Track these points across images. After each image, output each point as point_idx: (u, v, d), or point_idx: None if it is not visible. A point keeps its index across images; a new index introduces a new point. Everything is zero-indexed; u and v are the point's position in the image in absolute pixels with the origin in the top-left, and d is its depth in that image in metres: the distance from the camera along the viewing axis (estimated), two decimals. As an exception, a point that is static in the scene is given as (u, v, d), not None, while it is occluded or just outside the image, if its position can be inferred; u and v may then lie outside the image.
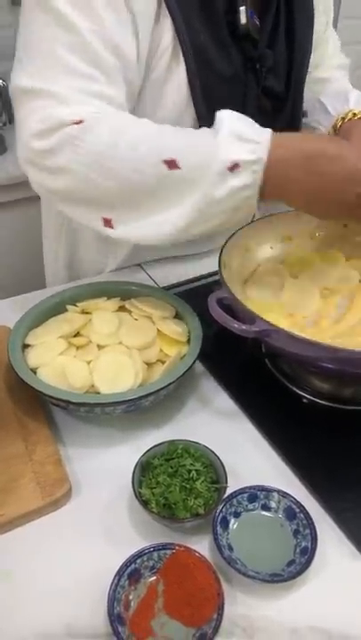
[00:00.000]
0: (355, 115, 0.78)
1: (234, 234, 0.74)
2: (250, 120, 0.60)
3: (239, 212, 0.60)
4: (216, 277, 0.74)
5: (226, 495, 0.54)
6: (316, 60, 0.88)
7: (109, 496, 0.57)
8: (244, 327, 0.59)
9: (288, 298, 0.73)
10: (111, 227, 0.61)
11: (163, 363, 0.67)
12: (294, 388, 0.71)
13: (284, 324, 0.64)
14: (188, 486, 0.54)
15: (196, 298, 0.74)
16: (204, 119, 0.72)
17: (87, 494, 0.58)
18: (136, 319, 0.72)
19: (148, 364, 0.67)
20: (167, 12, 0.64)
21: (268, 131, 0.58)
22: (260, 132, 0.58)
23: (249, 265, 0.78)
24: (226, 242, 0.72)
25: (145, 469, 0.56)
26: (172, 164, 0.56)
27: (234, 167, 0.55)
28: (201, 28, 0.67)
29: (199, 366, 0.73)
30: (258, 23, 0.72)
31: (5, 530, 0.55)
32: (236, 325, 0.59)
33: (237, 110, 0.75)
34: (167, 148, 0.57)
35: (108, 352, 0.67)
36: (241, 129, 0.58)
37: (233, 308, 0.63)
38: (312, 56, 0.85)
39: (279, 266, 0.78)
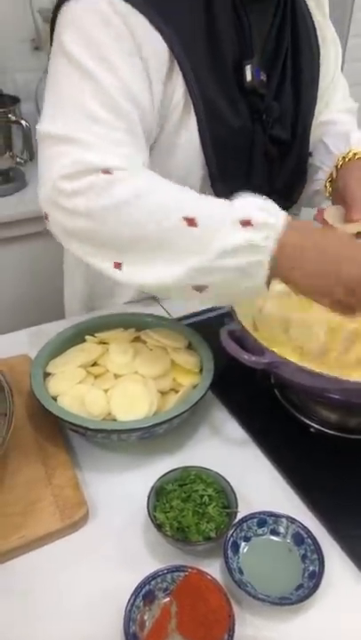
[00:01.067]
0: (355, 154, 0.83)
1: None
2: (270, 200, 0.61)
3: (245, 277, 0.58)
4: (227, 309, 0.78)
5: (236, 520, 0.57)
6: (324, 106, 0.93)
7: (125, 519, 0.60)
8: (254, 359, 0.62)
9: (296, 331, 0.76)
10: (120, 269, 0.63)
11: (176, 392, 0.71)
12: (302, 418, 0.73)
13: (292, 356, 0.67)
14: (200, 511, 0.56)
15: (208, 329, 0.77)
16: (214, 167, 0.77)
17: (103, 517, 0.60)
18: (151, 349, 0.76)
19: (163, 393, 0.70)
20: (179, 69, 0.69)
21: (284, 213, 0.59)
22: (277, 209, 0.59)
23: (258, 298, 0.82)
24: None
25: (159, 494, 0.59)
26: (191, 222, 0.58)
27: (246, 223, 0.56)
28: (211, 84, 0.72)
29: (211, 396, 0.75)
30: (264, 79, 0.77)
31: (25, 551, 0.57)
32: (246, 357, 0.62)
33: (245, 157, 0.80)
34: (189, 207, 0.59)
35: (125, 381, 0.70)
36: (261, 202, 0.59)
37: (243, 341, 0.66)
38: (319, 103, 0.90)
39: (287, 300, 0.82)
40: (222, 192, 0.80)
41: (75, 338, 0.78)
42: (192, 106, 0.72)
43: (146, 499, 0.58)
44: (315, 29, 0.84)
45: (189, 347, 0.77)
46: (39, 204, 0.68)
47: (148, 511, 0.57)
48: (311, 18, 0.84)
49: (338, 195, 0.82)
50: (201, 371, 0.72)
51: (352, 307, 0.58)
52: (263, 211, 0.57)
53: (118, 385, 0.69)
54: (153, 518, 0.56)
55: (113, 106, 0.64)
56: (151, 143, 0.73)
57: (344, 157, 0.83)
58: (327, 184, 0.86)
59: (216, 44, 0.71)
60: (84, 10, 0.64)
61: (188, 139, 0.74)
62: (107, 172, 0.61)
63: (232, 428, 0.72)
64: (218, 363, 0.72)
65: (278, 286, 0.84)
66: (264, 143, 0.81)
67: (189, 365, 0.73)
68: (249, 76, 0.75)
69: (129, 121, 0.66)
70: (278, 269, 0.58)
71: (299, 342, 0.75)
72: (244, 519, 0.57)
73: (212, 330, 0.72)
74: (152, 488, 0.59)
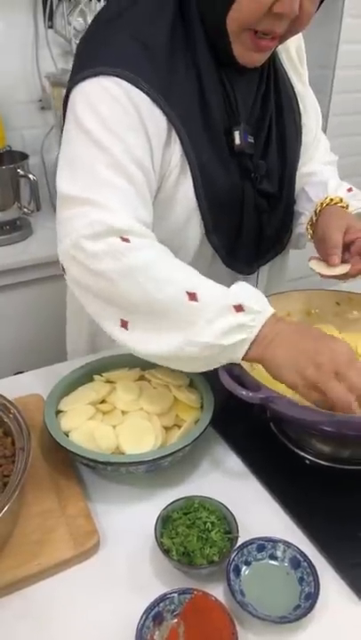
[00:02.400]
0: (331, 200, 0.92)
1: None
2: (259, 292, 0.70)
3: (227, 352, 0.66)
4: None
5: (237, 545, 0.61)
6: (306, 160, 1.02)
7: (133, 547, 0.64)
8: (250, 394, 0.68)
9: (289, 368, 0.82)
10: (126, 328, 0.70)
11: (179, 427, 0.76)
12: (297, 450, 0.78)
13: (286, 391, 0.72)
14: (204, 536, 0.61)
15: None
16: (209, 220, 0.85)
17: (114, 545, 0.65)
18: (155, 388, 0.81)
19: (167, 428, 0.75)
20: (176, 136, 0.78)
21: (270, 307, 0.68)
22: (266, 303, 0.68)
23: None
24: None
25: (166, 522, 0.63)
26: (192, 296, 0.66)
27: (239, 308, 0.65)
28: (204, 148, 0.80)
29: (211, 430, 0.80)
30: (252, 141, 0.85)
31: (41, 578, 0.61)
32: (243, 392, 0.68)
33: (237, 210, 0.88)
34: (192, 283, 0.68)
35: (131, 417, 0.75)
36: (252, 290, 0.69)
37: (241, 378, 0.72)
38: (303, 157, 0.99)
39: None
40: (217, 242, 0.88)
41: (83, 377, 0.83)
42: (188, 168, 0.80)
43: (153, 527, 0.62)
44: (296, 97, 0.94)
45: (190, 384, 0.83)
46: (59, 258, 0.74)
47: (156, 537, 0.61)
48: (293, 88, 0.94)
49: (319, 240, 0.89)
50: (202, 407, 0.78)
51: (315, 384, 0.63)
52: (253, 299, 0.67)
53: (126, 421, 0.74)
54: (160, 544, 0.61)
55: (123, 172, 0.72)
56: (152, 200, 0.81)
57: (322, 203, 0.92)
58: (308, 227, 0.94)
59: (208, 113, 0.80)
60: (95, 89, 0.73)
61: (184, 195, 0.82)
62: (125, 238, 0.69)
63: (232, 460, 0.77)
64: (217, 399, 0.78)
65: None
66: (254, 197, 0.90)
67: (191, 402, 0.78)
68: (238, 140, 0.83)
69: (137, 184, 0.74)
70: (258, 348, 0.66)
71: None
72: (245, 545, 0.62)
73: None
74: (159, 516, 0.63)
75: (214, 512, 0.64)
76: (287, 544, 0.62)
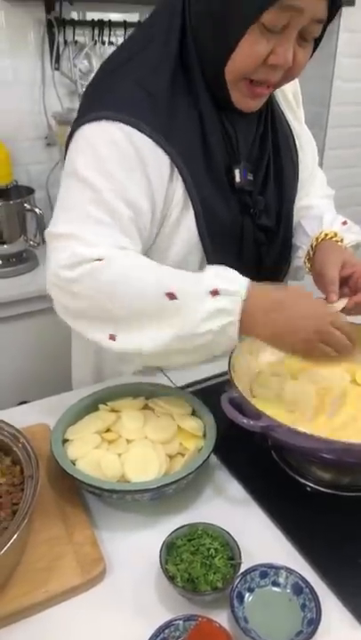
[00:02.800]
0: (326, 235, 0.96)
1: (241, 341, 0.87)
2: (233, 271, 0.75)
3: (220, 336, 0.71)
4: (226, 377, 0.86)
5: (240, 572, 0.63)
6: (303, 195, 1.06)
7: (139, 573, 0.65)
8: (251, 422, 0.70)
9: (289, 396, 0.84)
10: (115, 340, 0.75)
11: (182, 455, 0.78)
12: (298, 477, 0.80)
13: (286, 419, 0.74)
14: (208, 562, 0.62)
15: (209, 396, 0.86)
16: (210, 253, 0.89)
17: (119, 572, 0.66)
18: (159, 416, 0.83)
19: (170, 457, 0.77)
20: (178, 174, 0.82)
21: (247, 279, 0.73)
22: (240, 277, 0.73)
23: (254, 367, 0.91)
24: (235, 348, 0.85)
25: (170, 549, 0.65)
26: (171, 296, 0.71)
27: (215, 292, 0.70)
28: (206, 186, 0.85)
29: (213, 458, 0.82)
30: (251, 178, 0.90)
31: (48, 606, 0.62)
32: (245, 421, 0.70)
33: (237, 243, 0.92)
34: (169, 282, 0.72)
35: (136, 446, 0.77)
36: (225, 272, 0.74)
37: (242, 406, 0.75)
38: (300, 192, 1.04)
39: (280, 368, 0.91)
40: None
41: (89, 406, 0.86)
42: (191, 203, 0.84)
43: (157, 553, 0.64)
44: (293, 136, 0.99)
45: (193, 413, 0.85)
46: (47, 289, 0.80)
47: (161, 564, 0.62)
48: (289, 127, 0.99)
49: (317, 275, 0.93)
50: (204, 435, 0.80)
51: (311, 349, 0.74)
52: (228, 280, 0.72)
53: (131, 449, 0.77)
54: (165, 571, 0.62)
55: (108, 209, 0.77)
56: (152, 237, 0.85)
57: (317, 238, 0.97)
58: (306, 261, 0.98)
59: (209, 153, 0.85)
60: (96, 132, 0.78)
61: (187, 229, 0.87)
62: (99, 259, 0.74)
63: (234, 487, 0.79)
64: (219, 427, 0.80)
65: (270, 357, 0.94)
66: (253, 231, 0.94)
67: (194, 430, 0.80)
68: (238, 178, 0.88)
69: (123, 220, 0.78)
70: (245, 327, 0.72)
71: (292, 406, 0.83)
72: (248, 571, 0.63)
73: (213, 396, 0.81)
74: (163, 543, 0.65)
75: (217, 538, 0.65)
76: (289, 570, 0.63)
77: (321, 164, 2.20)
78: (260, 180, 0.94)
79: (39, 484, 0.66)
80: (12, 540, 0.59)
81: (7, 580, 0.63)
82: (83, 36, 1.74)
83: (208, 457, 0.75)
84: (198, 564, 0.62)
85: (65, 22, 1.67)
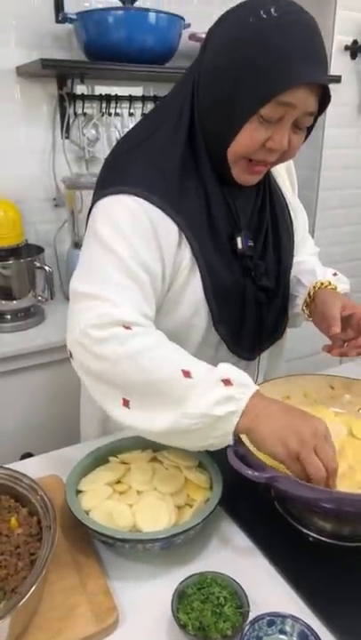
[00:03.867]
0: (322, 284, 1.06)
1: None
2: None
3: (220, 423, 0.74)
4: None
5: (249, 620, 0.65)
6: (296, 255, 1.16)
7: (151, 621, 0.68)
8: (256, 474, 0.74)
9: (290, 448, 0.89)
10: (128, 407, 0.78)
11: (190, 506, 0.82)
12: (300, 528, 0.83)
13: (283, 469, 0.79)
14: (217, 611, 0.65)
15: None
16: (215, 313, 0.96)
17: (132, 621, 0.69)
18: (167, 469, 0.87)
19: (179, 507, 0.81)
20: (186, 242, 0.90)
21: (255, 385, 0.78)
22: (248, 377, 0.78)
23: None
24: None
25: (181, 597, 0.68)
26: (187, 374, 0.76)
27: (227, 382, 0.75)
28: (211, 252, 0.93)
29: (219, 508, 0.86)
30: (252, 244, 0.98)
31: (63, 655, 0.65)
32: (250, 472, 0.74)
33: (239, 304, 1.00)
34: (186, 363, 0.78)
35: (146, 497, 0.81)
36: (238, 370, 0.78)
37: (246, 458, 0.79)
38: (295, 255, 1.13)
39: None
40: (224, 331, 0.99)
41: (99, 459, 0.90)
42: (197, 268, 0.92)
43: (169, 602, 0.67)
44: (288, 207, 1.09)
45: (200, 465, 0.89)
46: (67, 346, 0.85)
47: (173, 612, 0.65)
48: (285, 199, 1.08)
49: (318, 317, 1.03)
50: (211, 487, 0.84)
51: (297, 455, 0.72)
52: (240, 374, 0.77)
53: (141, 500, 0.80)
54: (177, 619, 0.65)
55: (130, 273, 0.84)
56: (162, 298, 0.93)
57: (314, 287, 1.06)
58: (304, 308, 1.08)
59: (213, 223, 0.94)
60: (114, 204, 0.87)
61: (193, 291, 0.94)
62: (127, 326, 0.79)
63: (239, 537, 0.82)
64: (224, 478, 0.84)
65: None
66: (254, 292, 1.01)
67: (201, 482, 0.84)
68: (240, 244, 0.96)
69: (142, 284, 0.85)
70: (246, 419, 0.74)
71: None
72: (256, 620, 0.66)
73: (218, 449, 0.85)
74: (175, 592, 0.68)
75: (226, 587, 0.69)
76: (295, 619, 0.66)
77: (314, 224, 2.33)
78: (260, 246, 1.02)
79: (57, 534, 0.70)
80: (31, 591, 0.62)
81: (25, 629, 0.65)
82: (91, 108, 1.89)
83: (215, 508, 0.79)
84: (209, 613, 0.65)
85: (75, 97, 1.82)
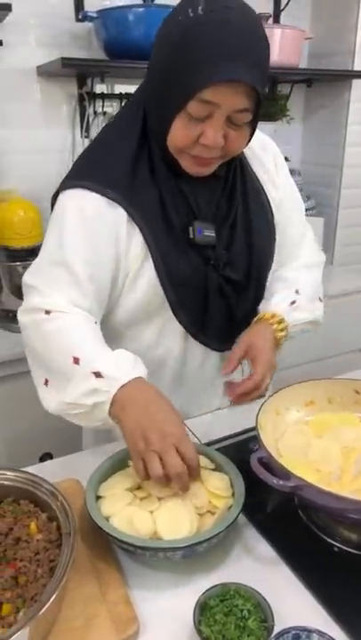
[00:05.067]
0: (264, 316, 1.04)
1: (265, 400, 0.91)
2: (133, 361, 0.85)
3: (95, 411, 0.82)
4: (249, 434, 0.89)
5: (274, 634, 0.64)
6: (284, 260, 1.12)
7: (173, 633, 0.66)
8: (281, 483, 0.72)
9: (314, 455, 0.87)
10: (47, 386, 0.87)
11: (212, 513, 0.80)
12: (325, 537, 0.81)
13: (312, 478, 0.77)
14: (241, 624, 0.63)
15: (233, 452, 0.88)
16: (173, 299, 0.96)
17: (153, 632, 0.67)
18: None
19: (200, 515, 0.79)
20: (139, 231, 0.92)
21: (140, 372, 0.84)
22: (131, 369, 0.83)
23: (280, 426, 0.94)
24: (260, 406, 0.88)
25: (203, 609, 0.66)
26: (76, 361, 0.83)
27: (98, 374, 0.81)
28: (163, 240, 0.93)
29: (241, 516, 0.84)
30: (211, 234, 0.96)
31: (83, 665, 0.63)
32: (275, 481, 0.72)
33: (201, 292, 1.00)
34: (81, 350, 0.84)
35: (167, 503, 0.79)
36: (121, 360, 0.84)
37: (270, 465, 0.77)
38: (286, 254, 1.11)
39: (305, 427, 0.94)
40: (185, 318, 1.00)
41: (118, 463, 0.88)
42: (150, 256, 0.93)
43: (190, 613, 0.65)
44: (267, 199, 1.05)
45: (221, 469, 0.87)
46: None
47: (195, 625, 0.64)
48: (264, 190, 1.05)
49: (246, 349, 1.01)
50: (233, 493, 0.82)
51: (142, 456, 0.77)
52: (116, 367, 0.82)
53: (162, 507, 0.79)
54: (199, 632, 0.63)
55: (67, 267, 0.88)
56: (121, 284, 0.96)
57: (258, 317, 1.05)
58: None
59: (166, 212, 0.94)
60: (67, 197, 0.91)
61: (148, 277, 0.95)
62: (47, 311, 0.87)
63: (262, 546, 0.80)
64: (246, 484, 0.81)
65: (296, 414, 0.97)
66: (218, 282, 1.00)
67: (220, 492, 0.81)
68: (191, 234, 0.95)
69: (79, 276, 0.89)
70: (116, 411, 0.80)
71: (317, 465, 0.85)
72: (281, 634, 0.64)
73: (237, 452, 0.85)
74: (197, 603, 0.66)
75: (250, 599, 0.67)
76: (321, 633, 0.64)
77: (335, 223, 2.30)
78: (226, 235, 1.00)
79: (76, 541, 0.69)
80: (51, 599, 0.61)
81: (45, 638, 0.64)
82: (111, 107, 1.87)
83: (238, 516, 0.77)
84: (232, 626, 0.63)
85: (95, 95, 1.81)
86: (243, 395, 0.99)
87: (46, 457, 1.67)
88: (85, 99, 1.79)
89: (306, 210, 2.10)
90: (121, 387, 0.80)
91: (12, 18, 1.62)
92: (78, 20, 1.72)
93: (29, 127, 1.79)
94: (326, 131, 2.18)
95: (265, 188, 1.06)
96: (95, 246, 0.90)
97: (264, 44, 0.82)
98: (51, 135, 1.83)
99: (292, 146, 2.30)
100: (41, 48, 1.74)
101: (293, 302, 1.06)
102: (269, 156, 1.07)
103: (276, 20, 2.07)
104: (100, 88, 1.84)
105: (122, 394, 0.80)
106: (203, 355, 1.07)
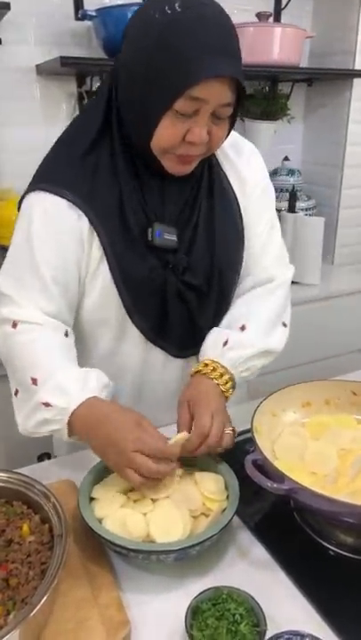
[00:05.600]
0: (199, 371, 0.94)
1: (262, 402, 0.90)
2: (86, 381, 0.86)
3: (57, 435, 0.85)
4: (245, 436, 0.88)
5: (266, 639, 0.63)
6: (250, 270, 1.05)
7: (164, 638, 0.66)
8: (275, 485, 0.72)
9: (310, 458, 0.86)
10: (16, 396, 0.89)
11: (206, 516, 0.79)
12: (321, 541, 0.80)
13: (307, 481, 0.76)
14: (233, 629, 0.63)
15: (229, 454, 0.87)
16: (129, 304, 0.95)
17: (144, 636, 0.66)
18: (180, 476, 0.84)
19: (194, 517, 0.78)
20: (95, 232, 0.90)
21: (86, 395, 0.83)
22: (77, 393, 0.83)
23: (276, 428, 0.93)
24: (256, 408, 0.88)
25: (195, 613, 0.66)
26: (34, 382, 0.85)
27: (47, 405, 0.83)
28: (120, 242, 0.92)
29: (235, 518, 0.83)
30: (172, 237, 0.94)
31: (74, 669, 0.63)
32: (269, 484, 0.72)
33: (159, 297, 0.98)
34: (37, 369, 0.85)
35: (160, 505, 0.79)
36: (69, 387, 0.83)
37: (265, 468, 0.77)
38: (251, 263, 1.05)
39: (301, 429, 0.93)
40: (141, 322, 0.98)
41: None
42: (105, 258, 0.92)
43: (182, 617, 0.65)
44: (237, 202, 1.02)
45: (216, 471, 0.86)
46: None
47: (187, 629, 0.63)
48: (234, 193, 1.02)
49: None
50: (227, 496, 0.81)
51: (120, 471, 0.79)
52: (63, 394, 0.83)
53: (155, 509, 0.78)
54: (190, 636, 0.62)
55: (35, 272, 0.89)
56: (82, 286, 0.95)
57: (195, 371, 0.95)
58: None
59: (124, 214, 0.92)
60: (28, 201, 0.92)
61: (103, 279, 0.94)
62: (15, 324, 0.89)
63: (257, 549, 0.79)
64: (241, 486, 0.80)
65: (292, 416, 0.96)
66: (177, 288, 0.97)
67: (214, 495, 0.81)
68: (150, 237, 0.93)
69: (43, 280, 0.89)
70: (76, 431, 0.83)
71: (313, 467, 0.84)
72: (273, 638, 0.63)
73: (231, 454, 0.84)
74: (188, 607, 0.66)
75: (242, 604, 0.66)
76: (314, 638, 0.63)
77: (336, 223, 2.28)
78: (187, 239, 0.97)
79: (68, 544, 0.68)
80: (42, 602, 0.61)
81: (35, 641, 0.64)
82: (110, 106, 1.86)
83: (232, 519, 0.76)
84: (224, 631, 0.62)
85: (94, 94, 1.80)
86: (199, 448, 0.84)
87: (44, 457, 1.67)
88: (85, 97, 1.78)
89: (306, 210, 2.12)
90: (71, 414, 0.82)
91: (11, 16, 1.61)
92: (77, 18, 1.71)
93: (28, 126, 1.79)
94: (327, 130, 2.17)
95: (235, 190, 1.02)
96: (60, 247, 0.90)
97: (237, 37, 0.82)
98: (50, 134, 1.79)
99: (293, 145, 2.29)
100: (40, 47, 1.73)
101: (226, 343, 0.96)
102: (242, 158, 1.03)
103: (277, 18, 2.06)
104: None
105: (75, 419, 0.82)
106: (163, 361, 1.03)
